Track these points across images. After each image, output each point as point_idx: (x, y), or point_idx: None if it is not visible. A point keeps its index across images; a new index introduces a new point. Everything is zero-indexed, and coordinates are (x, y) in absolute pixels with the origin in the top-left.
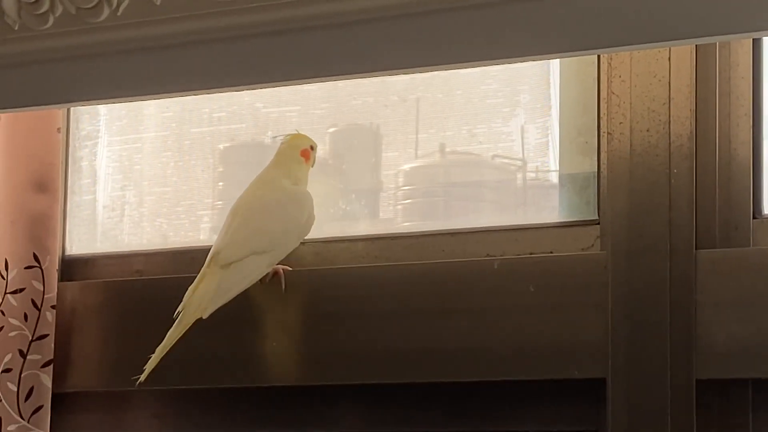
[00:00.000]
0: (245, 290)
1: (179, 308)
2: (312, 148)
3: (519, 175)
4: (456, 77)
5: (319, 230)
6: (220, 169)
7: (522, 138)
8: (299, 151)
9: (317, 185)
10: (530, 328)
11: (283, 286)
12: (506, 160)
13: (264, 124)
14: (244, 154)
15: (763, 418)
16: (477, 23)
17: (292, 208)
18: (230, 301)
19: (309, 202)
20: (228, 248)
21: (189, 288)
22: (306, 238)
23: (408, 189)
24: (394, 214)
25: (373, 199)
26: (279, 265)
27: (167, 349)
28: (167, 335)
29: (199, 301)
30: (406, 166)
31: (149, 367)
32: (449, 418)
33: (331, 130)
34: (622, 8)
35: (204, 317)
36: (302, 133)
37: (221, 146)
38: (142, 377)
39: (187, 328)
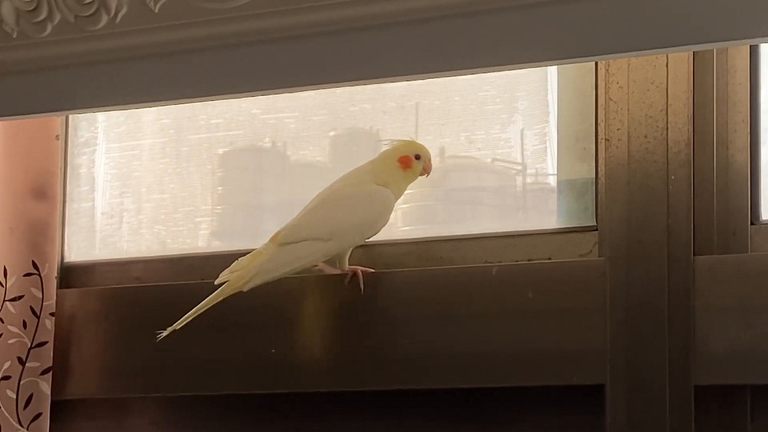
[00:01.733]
0: (241, 296)
1: (224, 277)
2: (418, 157)
3: (518, 180)
4: (454, 84)
5: None
6: (219, 174)
7: (522, 145)
8: (398, 157)
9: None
10: (528, 335)
11: (362, 288)
12: (505, 164)
13: (262, 130)
14: (243, 159)
15: (762, 424)
16: (475, 31)
17: (364, 203)
18: (228, 307)
19: (385, 202)
20: (288, 228)
21: (241, 259)
22: None
23: (406, 194)
24: (393, 219)
25: None
26: (359, 267)
27: (198, 314)
28: (203, 302)
29: (244, 273)
30: None
31: (175, 326)
32: (447, 424)
33: (332, 133)
34: (620, 15)
35: (244, 290)
36: (412, 140)
37: (220, 150)
38: (164, 333)
39: (224, 297)
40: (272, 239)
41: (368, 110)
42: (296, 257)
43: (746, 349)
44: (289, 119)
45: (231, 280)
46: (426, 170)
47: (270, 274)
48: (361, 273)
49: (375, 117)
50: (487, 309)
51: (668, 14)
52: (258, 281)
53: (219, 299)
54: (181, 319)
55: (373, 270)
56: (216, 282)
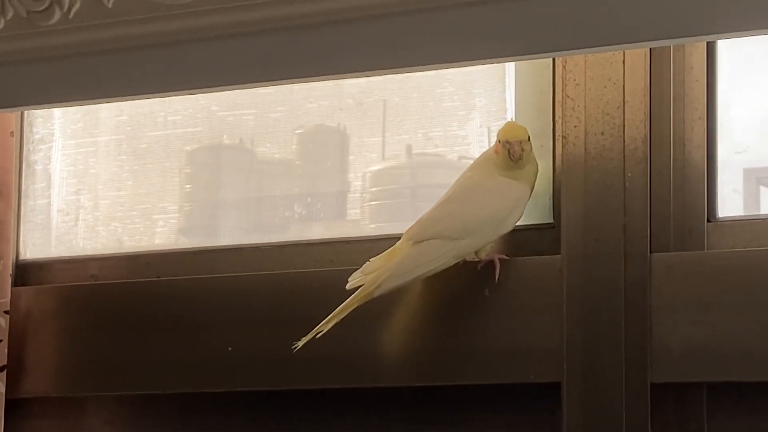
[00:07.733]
0: (201, 294)
1: (357, 281)
2: (509, 142)
3: None
4: (411, 80)
5: (282, 234)
6: (177, 171)
7: (488, 141)
8: (494, 145)
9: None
10: (485, 332)
11: (497, 277)
12: (470, 161)
13: (219, 127)
14: (201, 155)
15: (718, 421)
16: (431, 27)
17: (492, 197)
18: (183, 305)
19: (516, 195)
20: (419, 224)
21: (373, 259)
22: (265, 242)
23: (372, 191)
24: (360, 217)
25: (340, 201)
26: (496, 254)
27: (334, 322)
28: (339, 308)
29: (379, 275)
30: (373, 168)
31: (309, 336)
32: (404, 423)
33: (299, 131)
34: (577, 11)
35: (374, 295)
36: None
37: (178, 147)
38: (300, 344)
39: (361, 303)
40: (405, 234)
41: (326, 107)
42: (424, 260)
43: (702, 347)
44: (247, 116)
45: (366, 284)
46: (513, 155)
47: (402, 279)
48: (498, 261)
49: (332, 114)
50: (444, 306)
51: (625, 10)
52: (389, 286)
53: (355, 305)
54: (319, 325)
55: (507, 257)
56: (348, 287)
